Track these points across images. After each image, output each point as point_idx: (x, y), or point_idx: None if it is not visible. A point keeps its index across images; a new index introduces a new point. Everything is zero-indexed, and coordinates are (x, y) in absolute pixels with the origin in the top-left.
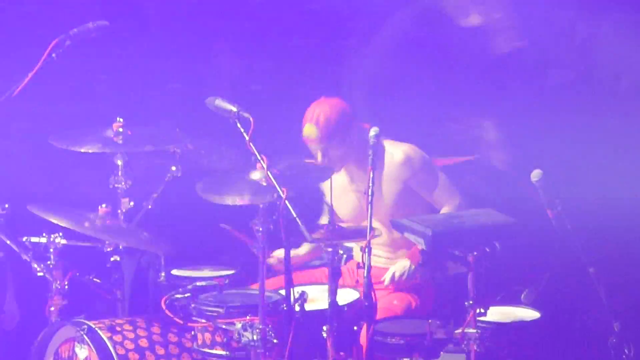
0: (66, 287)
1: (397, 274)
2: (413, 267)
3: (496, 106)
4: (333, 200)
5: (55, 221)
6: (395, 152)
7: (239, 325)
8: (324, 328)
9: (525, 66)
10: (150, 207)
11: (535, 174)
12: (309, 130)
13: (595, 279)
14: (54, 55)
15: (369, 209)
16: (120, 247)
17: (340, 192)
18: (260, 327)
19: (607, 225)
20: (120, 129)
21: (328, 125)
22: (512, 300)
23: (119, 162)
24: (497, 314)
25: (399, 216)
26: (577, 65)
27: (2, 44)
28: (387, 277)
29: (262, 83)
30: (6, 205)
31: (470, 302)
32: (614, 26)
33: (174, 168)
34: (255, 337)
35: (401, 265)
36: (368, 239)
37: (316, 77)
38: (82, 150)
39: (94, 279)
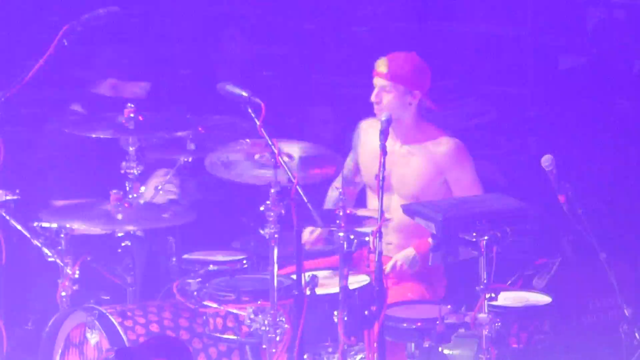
0: (77, 272)
1: (398, 263)
2: (417, 257)
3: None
4: (366, 156)
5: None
6: (444, 140)
7: (250, 310)
8: (335, 313)
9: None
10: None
11: (546, 159)
12: (381, 62)
13: (607, 264)
14: (65, 41)
15: (380, 194)
16: (136, 232)
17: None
18: (272, 312)
19: (619, 210)
20: (132, 115)
21: (402, 66)
22: (523, 284)
23: (131, 148)
24: (509, 298)
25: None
26: (588, 51)
27: (14, 31)
28: (388, 266)
29: (273, 69)
30: (17, 191)
31: (481, 286)
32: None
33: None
34: (266, 322)
35: (404, 255)
36: (379, 224)
37: (328, 63)
38: (94, 136)
39: (105, 265)
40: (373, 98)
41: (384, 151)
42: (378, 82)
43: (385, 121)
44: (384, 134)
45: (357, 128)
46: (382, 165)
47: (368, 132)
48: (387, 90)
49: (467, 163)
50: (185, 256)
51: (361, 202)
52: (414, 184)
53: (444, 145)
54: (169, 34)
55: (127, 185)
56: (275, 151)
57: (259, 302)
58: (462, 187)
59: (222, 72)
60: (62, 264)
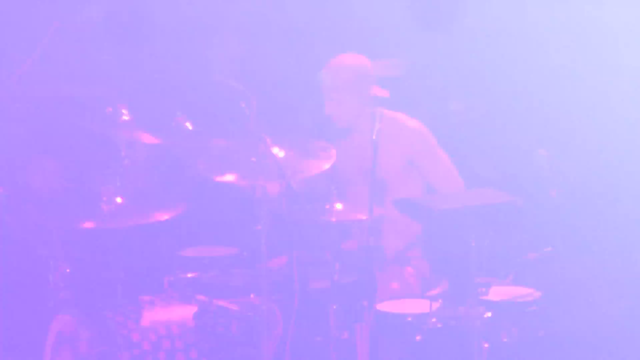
0: (68, 269)
1: None
2: None
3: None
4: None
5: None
6: (404, 125)
7: (242, 305)
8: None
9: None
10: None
11: (538, 154)
12: (328, 74)
13: (598, 257)
14: (56, 38)
15: (371, 188)
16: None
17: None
18: (263, 306)
19: (611, 204)
20: (124, 111)
21: (342, 72)
22: (514, 279)
23: (122, 145)
24: (499, 293)
25: (395, 195)
26: (579, 45)
27: (7, 27)
28: None
29: (267, 66)
30: (9, 188)
31: (473, 280)
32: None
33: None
34: (258, 317)
35: None
36: (369, 218)
37: (321, 59)
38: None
39: (96, 261)
40: (326, 111)
41: (375, 146)
42: (325, 93)
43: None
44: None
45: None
46: (374, 159)
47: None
48: (336, 99)
49: (432, 145)
50: (179, 251)
51: None
52: (382, 172)
53: (405, 130)
54: (161, 31)
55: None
56: (268, 147)
57: (251, 296)
58: (434, 171)
59: (215, 69)
60: (53, 260)
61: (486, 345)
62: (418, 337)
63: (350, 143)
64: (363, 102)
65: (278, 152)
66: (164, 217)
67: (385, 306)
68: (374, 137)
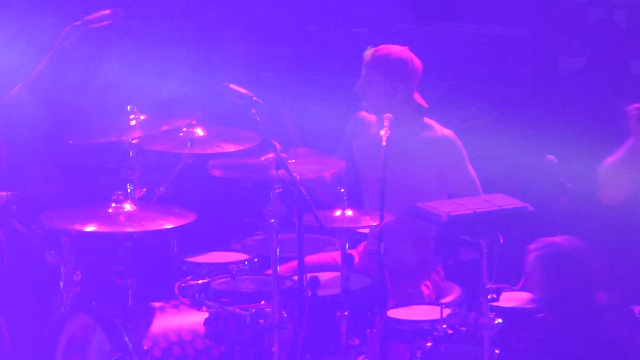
0: (78, 274)
1: None
2: None
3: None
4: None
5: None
6: (438, 134)
7: (252, 312)
8: (337, 314)
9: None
10: (162, 191)
11: (548, 160)
12: (367, 51)
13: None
14: (65, 43)
15: (382, 194)
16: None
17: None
18: (274, 313)
19: (619, 211)
20: (133, 116)
21: (386, 56)
22: (525, 285)
23: (132, 150)
24: (510, 299)
25: (420, 201)
26: (588, 51)
27: (15, 32)
28: None
29: (274, 70)
30: (18, 192)
31: (484, 287)
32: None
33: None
34: (268, 324)
35: None
36: (380, 224)
37: (328, 64)
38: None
39: (107, 266)
40: (357, 87)
41: (385, 153)
42: (362, 71)
43: (390, 123)
44: (386, 136)
45: (352, 119)
46: (384, 166)
47: (363, 126)
48: (368, 79)
49: (463, 157)
50: (187, 258)
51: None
52: (406, 186)
53: (438, 139)
54: (170, 35)
55: (128, 187)
56: (277, 151)
57: (262, 303)
58: (459, 185)
59: (223, 73)
60: (63, 266)
61: (497, 351)
62: (429, 344)
63: (372, 140)
64: (394, 97)
65: (287, 157)
66: (175, 223)
67: (396, 312)
68: (383, 144)
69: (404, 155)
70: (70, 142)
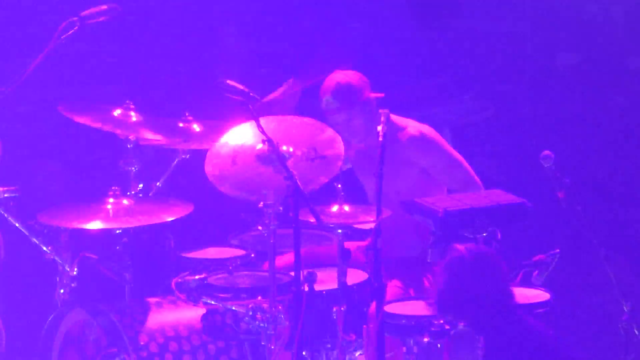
0: (75, 270)
1: None
2: None
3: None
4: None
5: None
6: (410, 132)
7: (249, 307)
8: (334, 309)
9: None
10: (159, 186)
11: (545, 156)
12: (329, 100)
13: (606, 260)
14: (63, 38)
15: (378, 190)
16: None
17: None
18: (271, 308)
19: (617, 206)
20: (132, 113)
21: (347, 91)
22: (522, 281)
23: (129, 145)
24: None
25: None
26: (585, 47)
27: (12, 27)
28: None
29: (270, 66)
30: (15, 188)
31: None
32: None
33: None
34: (265, 319)
35: None
36: (377, 220)
37: (324, 60)
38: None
39: (104, 262)
40: (344, 133)
41: (383, 145)
42: (337, 118)
43: (386, 119)
44: (383, 132)
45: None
46: (380, 162)
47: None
48: (350, 118)
49: (440, 146)
50: (184, 253)
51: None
52: (395, 188)
53: (410, 135)
54: (166, 31)
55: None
56: (273, 147)
57: (258, 298)
58: (446, 172)
59: (219, 69)
60: (60, 261)
61: None
62: (426, 339)
63: (365, 148)
64: (369, 111)
65: (286, 154)
66: (171, 218)
67: (392, 308)
68: (380, 140)
69: (392, 162)
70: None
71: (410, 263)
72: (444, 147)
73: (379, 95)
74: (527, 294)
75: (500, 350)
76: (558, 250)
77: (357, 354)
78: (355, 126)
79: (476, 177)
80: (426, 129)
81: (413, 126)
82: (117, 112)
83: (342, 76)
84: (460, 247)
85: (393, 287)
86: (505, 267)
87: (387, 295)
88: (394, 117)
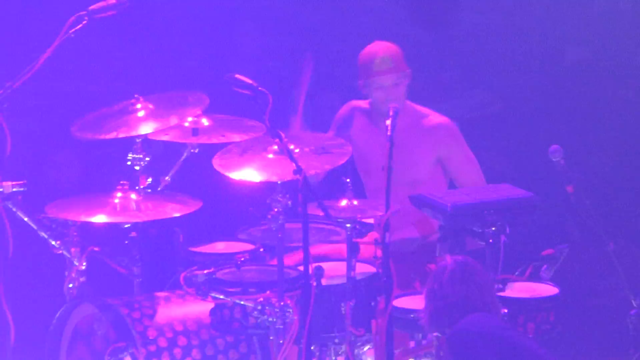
0: (84, 264)
1: None
2: None
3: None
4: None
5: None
6: (433, 121)
7: (257, 302)
8: (342, 304)
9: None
10: (168, 180)
11: (554, 150)
12: (384, 59)
13: (614, 254)
14: (71, 32)
15: (387, 184)
16: None
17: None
18: (279, 303)
19: (625, 200)
20: (140, 105)
21: (400, 55)
22: (531, 275)
23: (137, 139)
24: (516, 289)
25: (421, 189)
26: (593, 41)
27: (20, 22)
28: None
29: (280, 60)
30: (24, 182)
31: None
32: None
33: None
34: (273, 314)
35: None
36: (386, 215)
37: (335, 54)
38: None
39: (112, 256)
40: (387, 96)
41: (391, 141)
42: (387, 80)
43: (395, 113)
44: (392, 126)
45: (347, 109)
46: (390, 156)
47: (361, 117)
48: (398, 83)
49: (460, 141)
50: (192, 248)
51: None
52: (409, 174)
53: (434, 125)
54: (176, 26)
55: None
56: (282, 142)
57: (267, 293)
58: (459, 168)
59: (229, 63)
60: (69, 256)
61: None
62: (435, 334)
63: (376, 134)
64: (408, 85)
65: (294, 148)
66: (180, 212)
67: (401, 302)
68: (389, 134)
69: (404, 145)
70: (77, 134)
71: (413, 255)
72: (463, 142)
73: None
74: (535, 289)
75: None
76: (567, 245)
77: (366, 348)
78: (400, 92)
79: (481, 174)
80: (448, 120)
81: (436, 115)
82: (129, 110)
83: (389, 43)
84: (448, 257)
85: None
86: (489, 278)
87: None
88: (416, 105)
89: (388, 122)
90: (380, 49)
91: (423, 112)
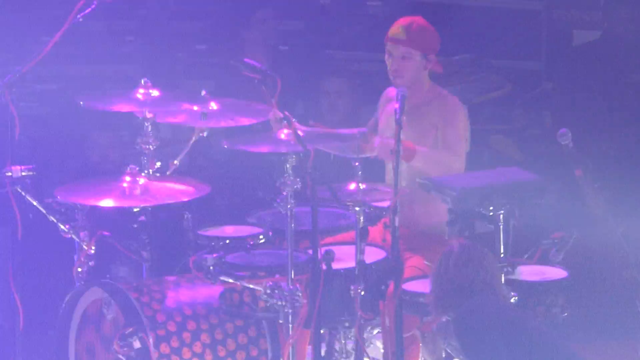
0: (93, 248)
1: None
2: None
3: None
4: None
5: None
6: (443, 95)
7: (266, 286)
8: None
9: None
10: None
11: (562, 133)
12: (398, 29)
13: (623, 237)
14: (79, 17)
15: (396, 169)
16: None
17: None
18: (288, 287)
19: (635, 184)
20: (148, 90)
21: (419, 31)
22: (540, 258)
23: (146, 123)
24: (525, 272)
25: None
26: (602, 25)
27: (29, 6)
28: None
29: (289, 44)
30: (33, 166)
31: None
32: None
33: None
34: (283, 297)
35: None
36: (395, 199)
37: (342, 38)
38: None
39: (121, 240)
40: (392, 66)
41: (399, 124)
42: (396, 50)
43: (402, 97)
44: (400, 109)
45: (385, 91)
46: (397, 139)
47: (386, 100)
48: (407, 57)
49: (455, 114)
50: (201, 231)
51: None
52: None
53: (452, 103)
54: (186, 10)
55: (142, 160)
56: (290, 125)
57: (276, 277)
58: (446, 127)
59: (237, 48)
60: (78, 240)
61: None
62: (444, 317)
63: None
64: (423, 67)
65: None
66: (190, 197)
67: (411, 285)
68: (397, 118)
69: (419, 125)
70: (81, 103)
71: (430, 239)
72: (459, 115)
73: (438, 66)
74: (545, 272)
75: (480, 342)
76: (575, 228)
77: (375, 332)
78: (406, 67)
79: (458, 165)
80: (457, 99)
81: (448, 94)
82: (136, 93)
83: (422, 21)
84: (454, 241)
85: (412, 264)
86: (495, 262)
87: (406, 273)
88: (439, 88)
89: (396, 105)
90: (406, 20)
91: (442, 92)
